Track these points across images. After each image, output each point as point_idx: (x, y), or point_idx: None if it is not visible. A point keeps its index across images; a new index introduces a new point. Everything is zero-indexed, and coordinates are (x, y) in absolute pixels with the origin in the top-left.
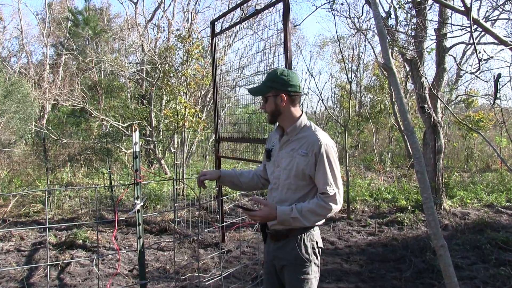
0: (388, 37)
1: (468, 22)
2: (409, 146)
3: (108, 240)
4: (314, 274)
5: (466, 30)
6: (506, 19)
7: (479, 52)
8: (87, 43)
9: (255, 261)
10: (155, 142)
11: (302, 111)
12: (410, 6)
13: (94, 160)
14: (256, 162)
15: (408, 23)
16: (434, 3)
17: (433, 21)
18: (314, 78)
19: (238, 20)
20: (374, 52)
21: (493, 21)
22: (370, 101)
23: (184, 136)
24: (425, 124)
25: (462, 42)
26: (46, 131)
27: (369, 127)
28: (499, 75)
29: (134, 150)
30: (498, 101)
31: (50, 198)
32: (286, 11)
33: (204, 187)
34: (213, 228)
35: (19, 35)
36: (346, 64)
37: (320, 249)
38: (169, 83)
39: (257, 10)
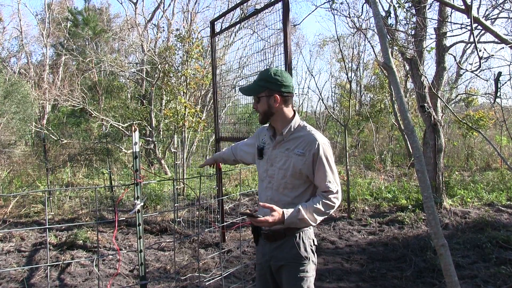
0: (388, 36)
1: (468, 20)
2: (409, 145)
3: (108, 241)
4: (312, 272)
5: (466, 28)
6: (506, 17)
7: (480, 51)
8: (87, 43)
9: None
10: (155, 142)
11: (294, 111)
12: (410, 5)
13: (94, 160)
14: None
15: (408, 22)
16: (434, 1)
17: (433, 19)
18: (314, 77)
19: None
20: (374, 51)
21: (493, 20)
22: (370, 100)
23: (184, 136)
24: (425, 123)
25: (462, 41)
26: (46, 132)
27: (369, 126)
28: (499, 74)
29: (134, 150)
30: (498, 100)
31: (51, 198)
32: (285, 11)
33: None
34: (213, 228)
35: (19, 36)
36: (346, 64)
37: (315, 247)
38: (169, 83)
39: (256, 9)
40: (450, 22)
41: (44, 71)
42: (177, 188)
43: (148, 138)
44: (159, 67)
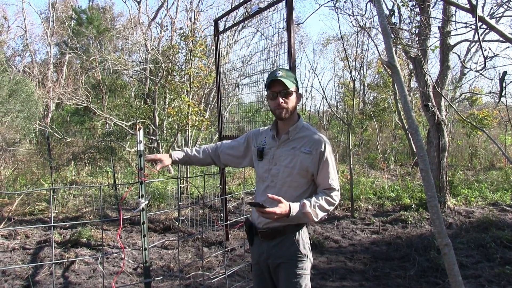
0: (392, 35)
1: (473, 19)
2: (413, 144)
3: (112, 239)
4: (308, 269)
5: (471, 27)
6: (511, 16)
7: (485, 50)
8: (91, 42)
9: None
10: (159, 141)
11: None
12: (414, 3)
13: (98, 158)
14: None
15: (412, 20)
16: (438, 0)
17: (437, 18)
18: (317, 76)
19: (242, 18)
20: (377, 50)
21: (498, 18)
22: (373, 99)
23: (188, 134)
24: (429, 122)
25: (467, 40)
26: (50, 130)
27: (373, 125)
28: (504, 73)
29: (139, 149)
30: (503, 99)
31: (55, 196)
32: (289, 9)
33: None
34: (217, 226)
35: (23, 35)
36: (349, 62)
37: (310, 245)
38: (172, 81)
39: (260, 8)
40: (455, 21)
41: (48, 69)
42: (180, 186)
43: (151, 137)
44: (162, 65)
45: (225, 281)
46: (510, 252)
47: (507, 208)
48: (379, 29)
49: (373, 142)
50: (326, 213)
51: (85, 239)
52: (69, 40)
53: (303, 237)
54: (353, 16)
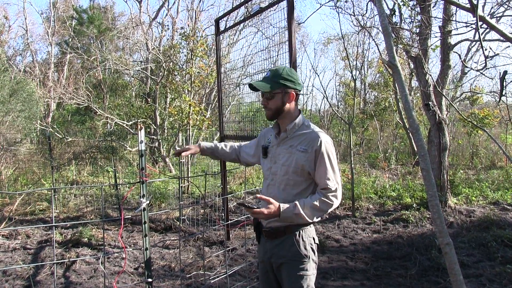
0: (393, 35)
1: (474, 19)
2: (414, 143)
3: (113, 238)
4: (312, 270)
5: (471, 27)
6: None
7: (485, 49)
8: (92, 41)
9: None
10: (160, 140)
11: (299, 110)
12: (415, 3)
13: (99, 158)
14: None
15: (413, 20)
16: (439, 0)
17: (437, 18)
18: (318, 75)
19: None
20: (378, 49)
21: (498, 18)
22: (374, 99)
23: (189, 134)
24: (430, 121)
25: (467, 39)
26: (51, 130)
27: (374, 124)
28: (505, 72)
29: (140, 149)
30: (503, 98)
31: (56, 196)
32: (290, 9)
33: (180, 158)
34: (218, 226)
35: (24, 34)
36: (350, 62)
37: (316, 245)
38: (173, 81)
39: (261, 8)
40: (455, 21)
41: (49, 69)
42: (181, 186)
43: (152, 136)
44: (163, 65)
45: (226, 280)
46: (511, 251)
47: (508, 207)
48: (380, 28)
49: (374, 141)
50: (322, 214)
51: (86, 239)
52: (70, 39)
53: (305, 238)
54: (354, 15)
